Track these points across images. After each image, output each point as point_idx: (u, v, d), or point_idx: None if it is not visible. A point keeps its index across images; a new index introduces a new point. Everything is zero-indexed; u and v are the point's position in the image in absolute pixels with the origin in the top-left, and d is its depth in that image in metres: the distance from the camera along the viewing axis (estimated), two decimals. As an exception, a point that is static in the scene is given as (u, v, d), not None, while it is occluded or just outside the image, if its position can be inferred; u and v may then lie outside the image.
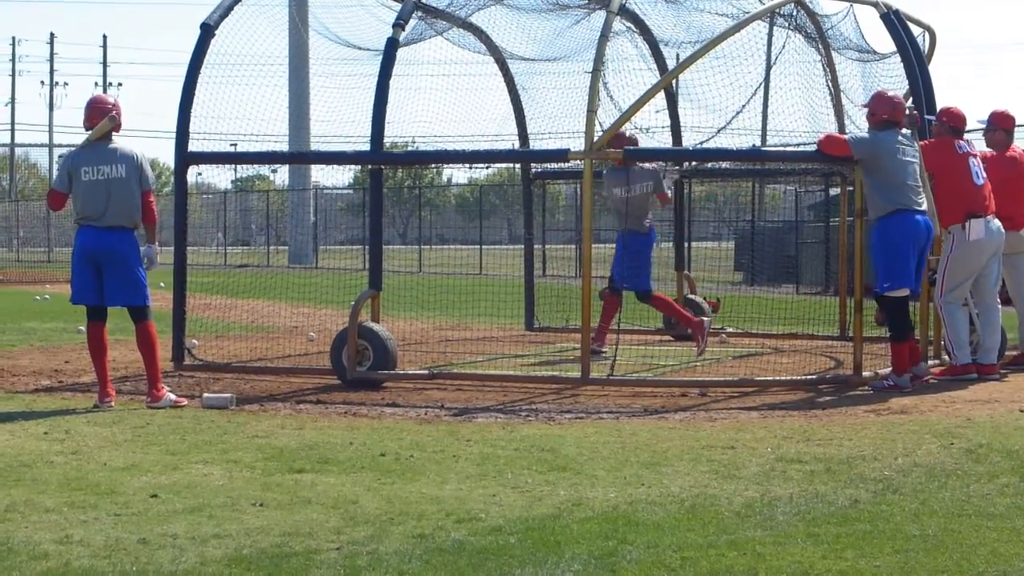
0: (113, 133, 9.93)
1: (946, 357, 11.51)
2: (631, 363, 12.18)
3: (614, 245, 13.70)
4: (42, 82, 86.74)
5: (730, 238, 33.79)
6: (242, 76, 12.54)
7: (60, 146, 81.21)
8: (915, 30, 12.64)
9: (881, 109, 10.67)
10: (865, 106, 10.93)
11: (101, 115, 9.91)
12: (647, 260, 13.19)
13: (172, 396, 9.83)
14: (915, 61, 11.89)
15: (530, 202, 16.44)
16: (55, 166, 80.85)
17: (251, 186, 59.08)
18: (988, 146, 12.02)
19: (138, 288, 9.84)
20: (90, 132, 9.89)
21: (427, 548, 5.59)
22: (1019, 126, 16.35)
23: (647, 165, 13.08)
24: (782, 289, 24.89)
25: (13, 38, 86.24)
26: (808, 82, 13.62)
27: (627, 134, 12.63)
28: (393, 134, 12.72)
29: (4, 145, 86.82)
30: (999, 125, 12.04)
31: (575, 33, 13.70)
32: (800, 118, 13.67)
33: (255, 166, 42.29)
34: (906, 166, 10.55)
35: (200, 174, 31.78)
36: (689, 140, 14.36)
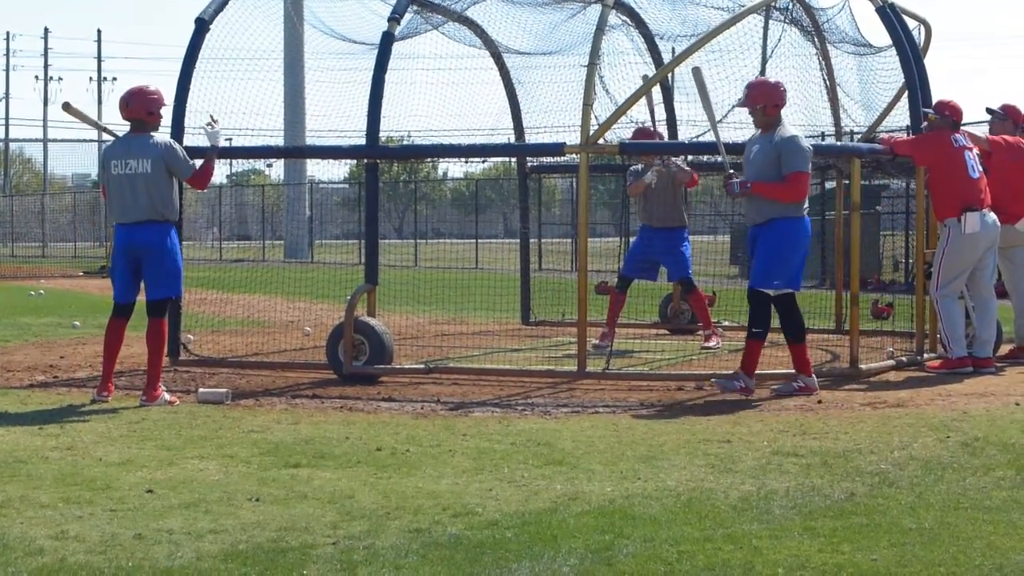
0: (145, 123, 9.89)
1: (942, 350, 11.51)
2: (627, 357, 12.18)
3: (609, 239, 13.76)
4: (36, 77, 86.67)
5: (726, 232, 33.77)
6: (237, 70, 12.53)
7: (55, 141, 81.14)
8: (910, 23, 12.63)
9: (783, 98, 10.06)
10: (747, 103, 10.02)
11: (151, 104, 9.86)
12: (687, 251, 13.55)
13: (167, 396, 9.79)
14: (911, 54, 11.89)
15: (526, 196, 16.42)
16: (50, 161, 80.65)
17: (247, 181, 59.04)
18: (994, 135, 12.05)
19: (170, 279, 9.80)
20: (130, 128, 9.87)
21: (424, 543, 5.58)
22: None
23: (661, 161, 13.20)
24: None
25: (7, 33, 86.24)
26: (804, 76, 13.61)
27: (651, 130, 12.85)
28: (389, 128, 12.71)
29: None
30: (1013, 118, 12.09)
31: (571, 27, 13.69)
32: (796, 112, 13.65)
33: (250, 161, 42.11)
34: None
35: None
36: (685, 134, 14.34)
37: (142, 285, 9.89)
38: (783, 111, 10.11)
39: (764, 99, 9.98)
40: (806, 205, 10.04)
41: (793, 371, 10.07)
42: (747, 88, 10.16)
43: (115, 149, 9.87)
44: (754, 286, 9.96)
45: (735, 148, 10.37)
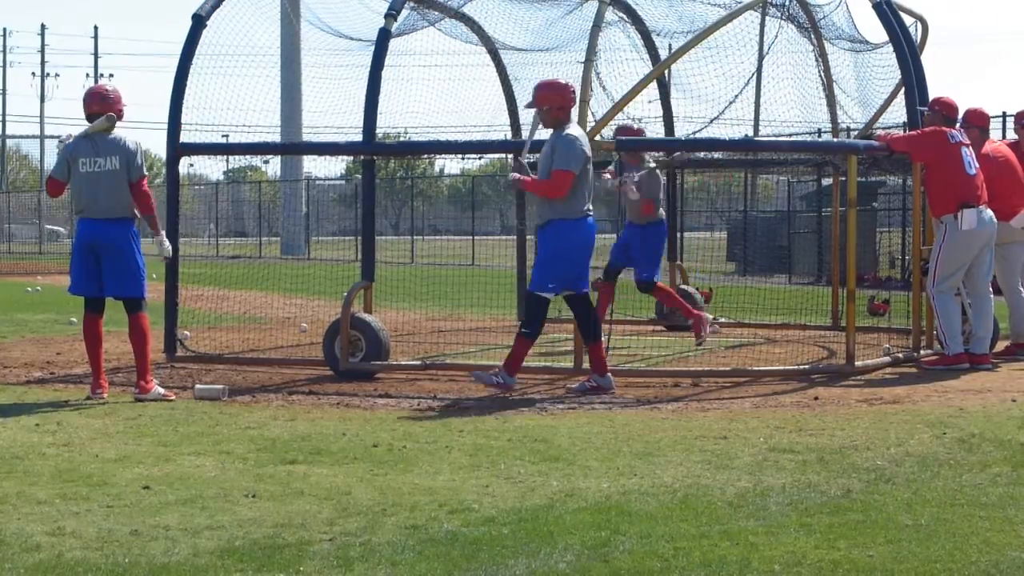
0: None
1: (939, 346, 11.52)
2: (623, 353, 12.18)
3: (606, 236, 13.75)
4: (33, 73, 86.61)
5: (723, 228, 33.79)
6: (234, 67, 12.54)
7: (52, 137, 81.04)
8: (907, 20, 12.63)
9: (569, 99, 9.89)
10: (534, 104, 9.90)
11: (100, 102, 9.90)
12: (659, 249, 13.24)
13: (160, 390, 9.80)
14: (907, 51, 11.89)
15: (523, 192, 16.38)
16: (47, 157, 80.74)
17: (243, 177, 59.02)
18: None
19: (134, 279, 9.82)
20: (89, 124, 9.88)
21: (420, 539, 5.58)
22: (995, 117, 16.41)
23: (650, 163, 13.11)
24: (775, 279, 24.90)
25: (4, 29, 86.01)
26: (800, 72, 13.62)
27: (635, 126, 12.69)
28: (385, 125, 12.70)
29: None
30: (974, 123, 11.99)
31: (567, 23, 13.68)
32: (792, 108, 13.67)
33: (247, 157, 42.13)
34: (589, 171, 9.89)
35: (192, 165, 31.67)
36: (681, 130, 14.34)
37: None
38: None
39: (549, 101, 9.87)
40: (588, 207, 9.85)
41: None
42: (535, 89, 10.06)
43: (83, 147, 9.86)
44: (531, 289, 9.93)
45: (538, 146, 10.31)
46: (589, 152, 9.88)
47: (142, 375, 9.79)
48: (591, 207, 9.93)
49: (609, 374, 9.99)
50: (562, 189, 9.75)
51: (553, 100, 9.87)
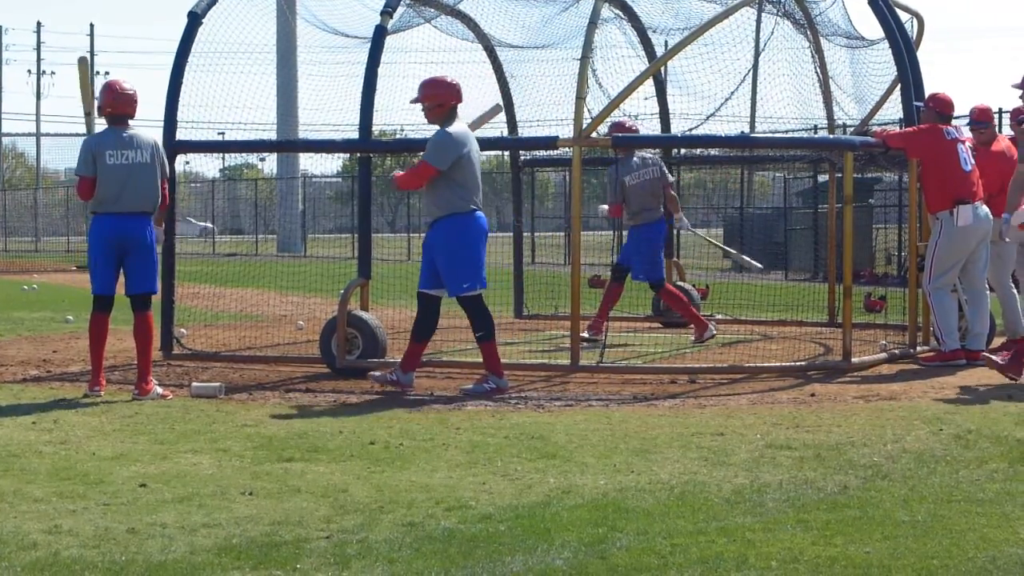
0: (129, 120, 9.89)
1: (935, 343, 11.53)
2: (620, 350, 12.19)
3: (602, 233, 13.77)
4: (29, 71, 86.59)
5: (719, 225, 33.80)
6: (230, 64, 12.53)
7: (48, 135, 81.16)
8: (903, 16, 12.64)
9: (450, 96, 9.85)
10: (418, 100, 9.87)
11: (124, 101, 9.80)
12: (658, 249, 13.24)
13: (159, 390, 9.78)
14: (903, 47, 11.89)
15: (519, 189, 16.42)
16: (43, 155, 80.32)
17: (239, 174, 58.98)
18: (980, 144, 11.82)
19: (154, 275, 9.85)
20: (106, 123, 9.80)
21: (417, 536, 5.59)
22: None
23: (647, 154, 13.12)
24: (771, 275, 24.90)
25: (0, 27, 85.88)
26: (797, 69, 13.61)
27: (627, 123, 12.68)
28: (381, 122, 12.69)
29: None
30: (982, 120, 11.96)
31: (564, 20, 13.68)
32: (789, 105, 13.67)
33: (243, 154, 42.10)
34: (475, 164, 9.91)
35: (188, 162, 31.72)
36: (678, 127, 14.35)
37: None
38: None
39: (427, 99, 9.85)
40: (476, 202, 9.83)
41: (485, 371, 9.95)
42: (419, 86, 10.03)
43: (107, 140, 9.78)
44: (452, 294, 9.86)
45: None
46: (465, 150, 9.77)
47: (143, 376, 9.76)
48: (478, 202, 9.87)
49: (504, 376, 9.91)
50: (420, 180, 9.86)
51: (431, 97, 9.84)
